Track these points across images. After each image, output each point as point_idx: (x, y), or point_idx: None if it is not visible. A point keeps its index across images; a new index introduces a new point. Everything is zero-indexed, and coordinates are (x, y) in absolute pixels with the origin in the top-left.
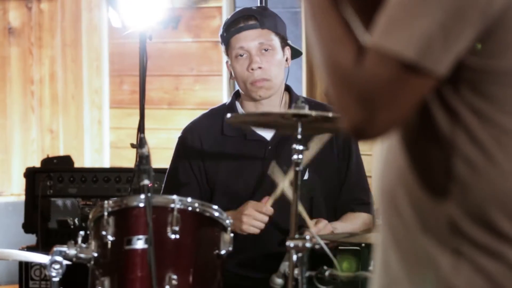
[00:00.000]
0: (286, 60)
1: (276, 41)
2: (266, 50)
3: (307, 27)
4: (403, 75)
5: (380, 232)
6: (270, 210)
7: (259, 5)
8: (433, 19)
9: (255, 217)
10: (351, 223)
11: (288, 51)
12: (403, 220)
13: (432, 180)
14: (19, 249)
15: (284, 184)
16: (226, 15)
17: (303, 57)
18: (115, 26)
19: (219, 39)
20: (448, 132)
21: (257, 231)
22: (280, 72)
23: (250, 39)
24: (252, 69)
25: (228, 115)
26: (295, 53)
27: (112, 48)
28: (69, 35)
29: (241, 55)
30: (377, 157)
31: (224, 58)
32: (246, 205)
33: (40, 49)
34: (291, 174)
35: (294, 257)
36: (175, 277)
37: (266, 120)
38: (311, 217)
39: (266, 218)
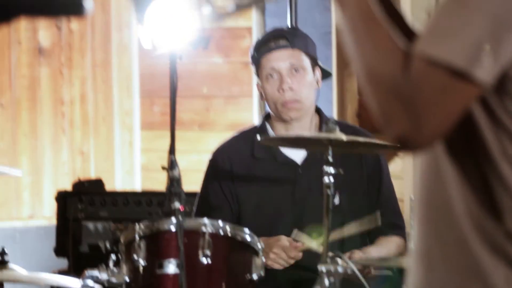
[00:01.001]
0: (317, 82)
1: (306, 61)
2: (296, 70)
3: (344, 40)
4: (452, 83)
5: (422, 245)
6: (298, 256)
7: (289, 25)
8: (482, 28)
9: (282, 257)
10: (383, 247)
11: (318, 72)
12: (456, 232)
13: (487, 194)
14: (51, 273)
15: (312, 245)
16: (256, 36)
17: (334, 78)
18: (146, 47)
19: (250, 60)
20: (496, 144)
21: (281, 267)
22: (311, 93)
23: (281, 59)
24: (283, 90)
25: (259, 137)
26: (325, 75)
27: (142, 69)
28: (99, 56)
29: (271, 76)
30: (418, 170)
31: (255, 79)
32: (277, 242)
33: (70, 70)
34: (316, 238)
35: (326, 282)
36: None
37: (297, 141)
38: (343, 243)
39: (292, 261)
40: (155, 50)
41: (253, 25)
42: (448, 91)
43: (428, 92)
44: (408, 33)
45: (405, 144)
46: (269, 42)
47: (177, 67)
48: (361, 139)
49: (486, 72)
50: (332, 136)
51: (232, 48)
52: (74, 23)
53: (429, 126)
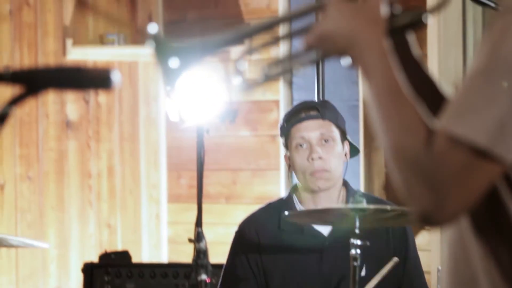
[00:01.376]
0: (345, 154)
1: (336, 133)
2: (326, 141)
3: (371, 113)
4: (475, 161)
5: None
6: None
7: (316, 98)
8: (505, 106)
9: None
10: None
11: (347, 146)
12: None
13: None
14: None
15: None
16: (283, 109)
17: (361, 151)
18: (173, 120)
19: (277, 132)
20: None
21: None
22: (340, 165)
23: (311, 129)
24: (312, 159)
25: (286, 212)
26: (354, 151)
27: (169, 142)
28: (126, 129)
29: (301, 145)
30: (446, 240)
31: (282, 152)
32: None
33: (97, 143)
34: None
35: None
36: None
37: (324, 215)
38: None
39: None
40: (183, 123)
41: (280, 98)
42: (470, 170)
43: (451, 170)
44: (438, 98)
45: (428, 220)
46: (299, 112)
47: (204, 140)
48: (388, 207)
49: (509, 150)
50: (359, 206)
51: (259, 121)
52: (102, 97)
53: (452, 204)
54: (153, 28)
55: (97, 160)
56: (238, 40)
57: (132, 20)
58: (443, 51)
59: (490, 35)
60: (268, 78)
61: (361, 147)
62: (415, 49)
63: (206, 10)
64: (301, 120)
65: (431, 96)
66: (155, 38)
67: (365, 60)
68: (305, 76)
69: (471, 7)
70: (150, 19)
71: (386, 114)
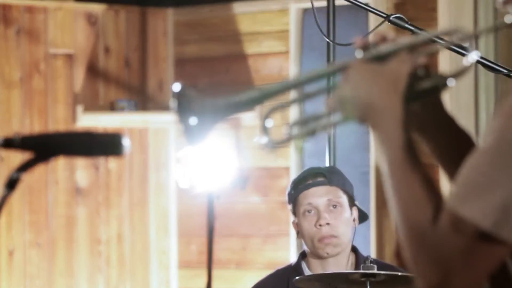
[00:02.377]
0: (354, 220)
1: (344, 198)
2: (334, 207)
3: (383, 181)
4: (479, 243)
5: None
6: None
7: (327, 164)
8: (510, 191)
9: None
10: None
11: (355, 211)
12: None
13: None
14: None
15: None
16: (294, 175)
17: (372, 217)
18: (183, 187)
19: (286, 198)
20: None
21: None
22: (348, 231)
23: (318, 195)
24: (320, 225)
25: (296, 277)
26: (363, 217)
27: (179, 208)
28: (136, 195)
29: (309, 211)
30: None
31: (291, 217)
32: None
33: (107, 209)
34: None
35: None
36: None
37: (333, 280)
38: None
39: None
40: (193, 190)
41: (291, 165)
42: (476, 252)
43: (456, 250)
44: (465, 143)
45: None
46: (306, 179)
47: (215, 207)
48: (399, 274)
49: (511, 234)
50: (369, 271)
51: (270, 187)
52: (112, 163)
53: (457, 282)
54: (177, 87)
55: (107, 226)
56: (262, 99)
57: (142, 86)
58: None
59: (500, 113)
60: (291, 139)
61: (372, 213)
62: (446, 109)
63: (217, 77)
64: (308, 186)
65: (469, 150)
66: (180, 95)
67: (379, 129)
68: (316, 142)
69: (483, 72)
70: (161, 85)
71: (397, 187)
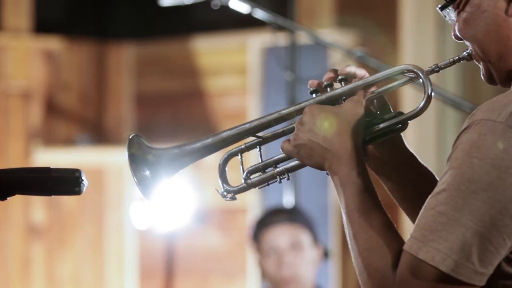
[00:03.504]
0: (316, 259)
1: (306, 237)
2: (296, 246)
3: (345, 229)
4: (440, 285)
5: None
6: None
7: (289, 201)
8: (469, 230)
9: None
10: None
11: (318, 250)
12: None
13: None
14: None
15: None
16: (253, 214)
17: (336, 252)
18: (140, 227)
19: (248, 237)
20: None
21: None
22: (310, 270)
23: (280, 235)
24: (281, 266)
25: None
26: (326, 254)
27: (137, 248)
28: (92, 235)
29: (271, 252)
30: None
31: (251, 257)
32: None
33: (63, 249)
34: None
35: None
36: None
37: None
38: None
39: None
40: (152, 229)
41: (250, 203)
42: None
43: None
44: (426, 182)
45: None
46: (269, 218)
47: (174, 246)
48: None
49: (474, 275)
50: None
51: (230, 226)
52: (68, 201)
53: None
54: (129, 135)
55: (62, 266)
56: (218, 146)
57: (100, 122)
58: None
59: (457, 150)
60: (251, 186)
61: (335, 249)
62: (407, 146)
63: (178, 112)
64: (271, 225)
65: (430, 188)
66: (132, 144)
67: (336, 174)
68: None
69: (450, 109)
70: (119, 121)
71: (355, 233)
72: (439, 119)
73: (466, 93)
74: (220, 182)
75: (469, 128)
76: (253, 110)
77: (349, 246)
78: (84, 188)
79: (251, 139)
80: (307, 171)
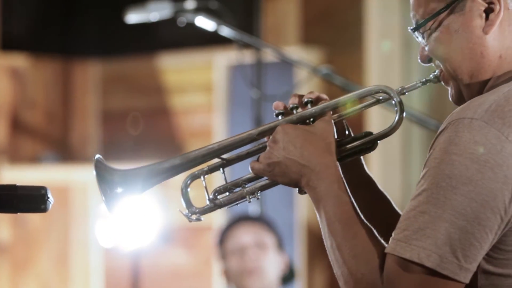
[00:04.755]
0: (280, 265)
1: (270, 239)
2: (260, 245)
3: (325, 242)
4: (431, 281)
5: None
6: None
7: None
8: (453, 225)
9: None
10: None
11: (283, 257)
12: None
13: None
14: None
15: None
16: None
17: (301, 272)
18: (106, 244)
19: (212, 255)
20: None
21: None
22: (273, 269)
23: (244, 232)
24: (246, 260)
25: None
26: (291, 274)
27: (102, 265)
28: (58, 252)
29: (236, 250)
30: None
31: (217, 273)
32: None
33: (28, 266)
34: None
35: None
36: None
37: None
38: None
39: None
40: (117, 247)
41: (216, 221)
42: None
43: None
44: (393, 215)
45: None
46: (233, 222)
47: (140, 264)
48: None
49: (458, 270)
50: None
51: (195, 245)
52: (34, 218)
53: None
54: (96, 155)
55: (27, 284)
56: (186, 167)
57: (66, 139)
58: (384, 173)
59: (434, 151)
60: (218, 206)
61: (301, 269)
62: (366, 169)
63: (144, 130)
64: (235, 227)
65: (385, 213)
66: (98, 163)
67: (316, 189)
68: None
69: (415, 128)
70: (85, 138)
71: (339, 243)
72: (405, 137)
73: (432, 111)
74: (184, 204)
75: (446, 129)
76: (219, 128)
77: (332, 258)
78: (50, 205)
79: (214, 160)
80: (274, 190)
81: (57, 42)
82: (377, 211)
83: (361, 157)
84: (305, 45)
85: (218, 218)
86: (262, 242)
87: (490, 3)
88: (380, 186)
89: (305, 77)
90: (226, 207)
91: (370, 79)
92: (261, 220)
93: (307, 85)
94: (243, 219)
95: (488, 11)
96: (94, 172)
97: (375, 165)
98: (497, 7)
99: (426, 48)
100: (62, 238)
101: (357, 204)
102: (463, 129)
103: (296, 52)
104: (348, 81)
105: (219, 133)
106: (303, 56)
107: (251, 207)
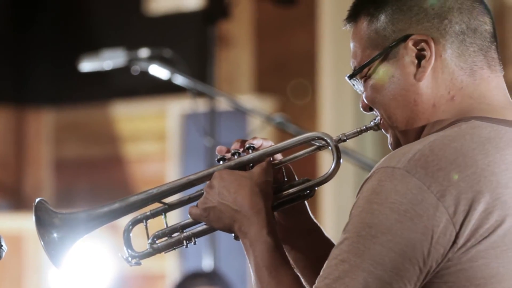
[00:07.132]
0: None
1: None
2: None
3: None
4: None
5: None
6: None
7: (208, 267)
8: (371, 275)
9: None
10: None
11: None
12: None
13: None
14: None
15: None
16: (172, 279)
17: None
18: None
19: None
20: None
21: None
22: None
23: None
24: None
25: None
26: None
27: None
28: None
29: None
30: None
31: None
32: None
33: None
34: None
35: None
36: None
37: None
38: None
39: None
40: None
41: (169, 269)
42: None
43: None
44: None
45: None
46: (187, 282)
47: None
48: None
49: None
50: None
51: None
52: None
53: None
54: (37, 200)
55: None
56: (125, 211)
57: (18, 187)
58: (337, 219)
59: (357, 199)
60: (156, 251)
61: None
62: (311, 216)
63: (96, 178)
64: (190, 284)
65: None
66: (38, 210)
67: (246, 234)
68: (196, 245)
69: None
70: (37, 187)
71: None
72: (357, 184)
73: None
74: (125, 248)
75: (370, 177)
76: (173, 176)
77: None
78: (4, 253)
79: (156, 205)
80: (226, 237)
81: (10, 91)
82: (322, 257)
83: (305, 205)
84: (259, 93)
85: (172, 267)
86: None
87: (421, 49)
88: (326, 233)
89: (259, 125)
90: (164, 252)
91: (323, 126)
92: (215, 281)
93: (260, 133)
94: (197, 279)
95: (421, 57)
96: (33, 215)
97: (328, 208)
98: (428, 53)
99: (363, 96)
100: (15, 287)
101: (301, 251)
102: (386, 178)
103: (249, 100)
104: (301, 129)
105: None
106: (257, 104)
107: (205, 257)
